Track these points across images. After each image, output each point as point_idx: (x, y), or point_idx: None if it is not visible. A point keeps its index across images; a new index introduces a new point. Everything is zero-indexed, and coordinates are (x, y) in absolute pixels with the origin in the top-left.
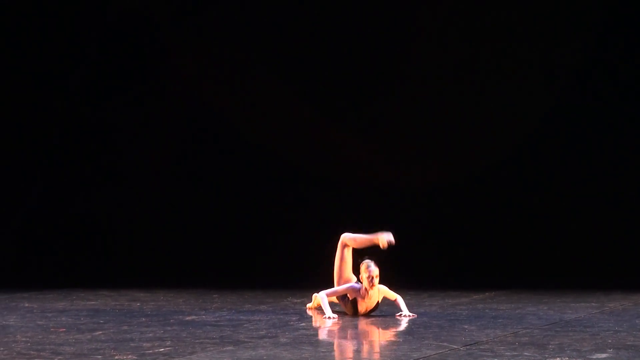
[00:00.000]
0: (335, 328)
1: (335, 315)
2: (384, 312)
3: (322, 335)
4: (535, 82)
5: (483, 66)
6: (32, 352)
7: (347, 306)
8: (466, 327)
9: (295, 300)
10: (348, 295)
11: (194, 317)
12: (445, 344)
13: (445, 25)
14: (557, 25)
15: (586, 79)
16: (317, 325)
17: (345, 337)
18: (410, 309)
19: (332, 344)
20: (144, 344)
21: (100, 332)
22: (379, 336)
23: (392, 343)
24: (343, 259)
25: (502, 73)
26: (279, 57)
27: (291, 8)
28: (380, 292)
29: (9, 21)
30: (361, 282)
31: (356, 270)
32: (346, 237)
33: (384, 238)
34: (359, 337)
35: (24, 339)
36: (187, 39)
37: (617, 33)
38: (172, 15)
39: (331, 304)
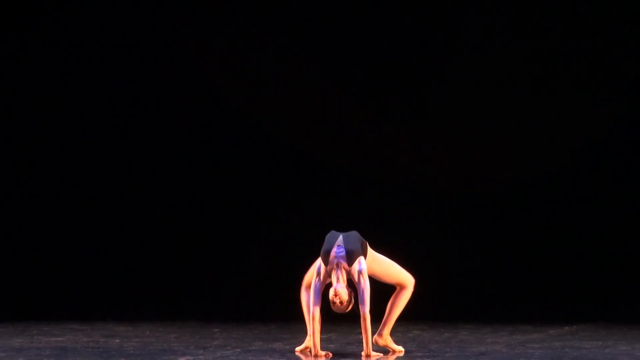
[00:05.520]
0: None
1: (327, 353)
2: (431, 353)
3: None
4: (603, 85)
5: (542, 66)
6: None
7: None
8: None
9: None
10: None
11: (188, 357)
12: None
13: (501, 23)
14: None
15: None
16: None
17: None
18: (469, 346)
19: None
20: None
21: None
22: None
23: None
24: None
25: (564, 73)
26: (316, 46)
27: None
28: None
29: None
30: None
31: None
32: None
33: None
34: None
35: None
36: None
37: None
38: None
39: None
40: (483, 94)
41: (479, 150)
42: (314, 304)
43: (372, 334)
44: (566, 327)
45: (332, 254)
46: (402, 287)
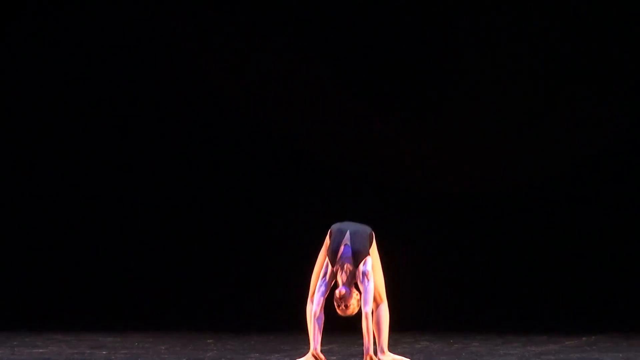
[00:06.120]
0: None
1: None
2: None
3: None
4: (607, 90)
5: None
6: None
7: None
8: None
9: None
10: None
11: None
12: None
13: (502, 24)
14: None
15: None
16: None
17: None
18: (480, 358)
19: None
20: None
21: None
22: None
23: None
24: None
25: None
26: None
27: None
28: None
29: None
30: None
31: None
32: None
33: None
34: None
35: None
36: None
37: None
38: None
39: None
40: (484, 95)
41: (479, 150)
42: (317, 305)
43: (374, 340)
44: (584, 338)
45: (339, 254)
46: (378, 302)
